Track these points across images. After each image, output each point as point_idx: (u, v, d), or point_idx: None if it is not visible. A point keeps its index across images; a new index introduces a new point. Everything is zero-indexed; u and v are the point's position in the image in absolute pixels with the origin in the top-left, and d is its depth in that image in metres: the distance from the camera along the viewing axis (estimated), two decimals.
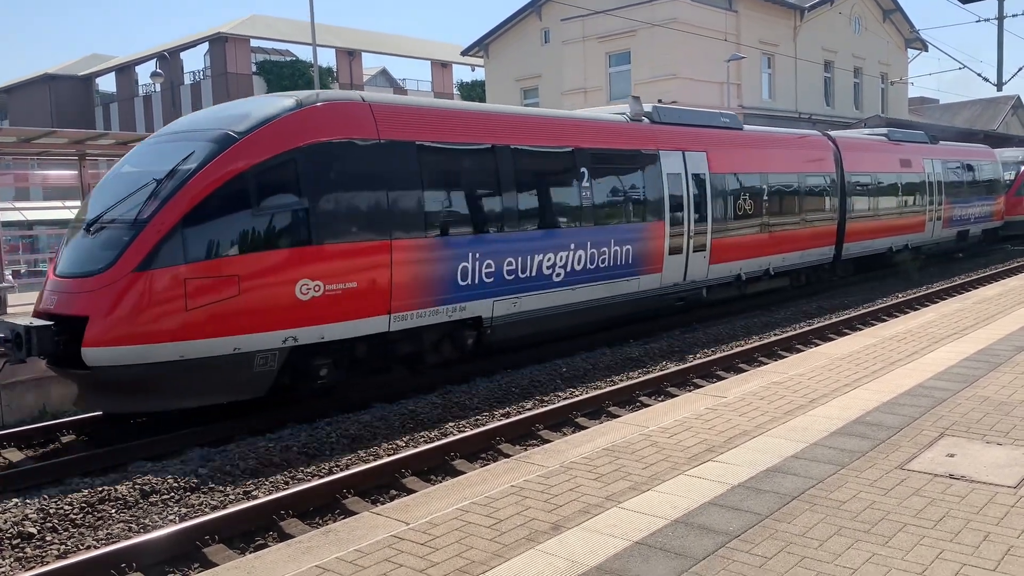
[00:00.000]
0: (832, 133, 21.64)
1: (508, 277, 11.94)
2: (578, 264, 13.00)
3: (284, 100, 10.22)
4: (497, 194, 11.90)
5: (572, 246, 12.86)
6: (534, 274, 12.30)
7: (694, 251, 15.56)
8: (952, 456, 5.80)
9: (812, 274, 20.30)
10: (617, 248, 13.71)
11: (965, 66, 41.43)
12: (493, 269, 11.68)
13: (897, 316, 16.06)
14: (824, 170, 19.80)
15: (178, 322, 8.88)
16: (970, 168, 27.44)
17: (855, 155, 21.20)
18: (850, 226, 20.77)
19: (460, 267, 11.25)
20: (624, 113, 15.09)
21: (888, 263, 23.44)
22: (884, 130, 24.61)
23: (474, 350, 12.12)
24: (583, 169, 13.13)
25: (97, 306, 8.74)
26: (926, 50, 48.64)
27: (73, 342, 8.71)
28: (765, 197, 17.45)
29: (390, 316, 10.45)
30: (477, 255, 11.46)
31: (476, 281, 11.47)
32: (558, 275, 12.67)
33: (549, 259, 12.51)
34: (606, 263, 13.54)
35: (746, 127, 18.26)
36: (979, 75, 30.84)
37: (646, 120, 15.24)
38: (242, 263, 9.22)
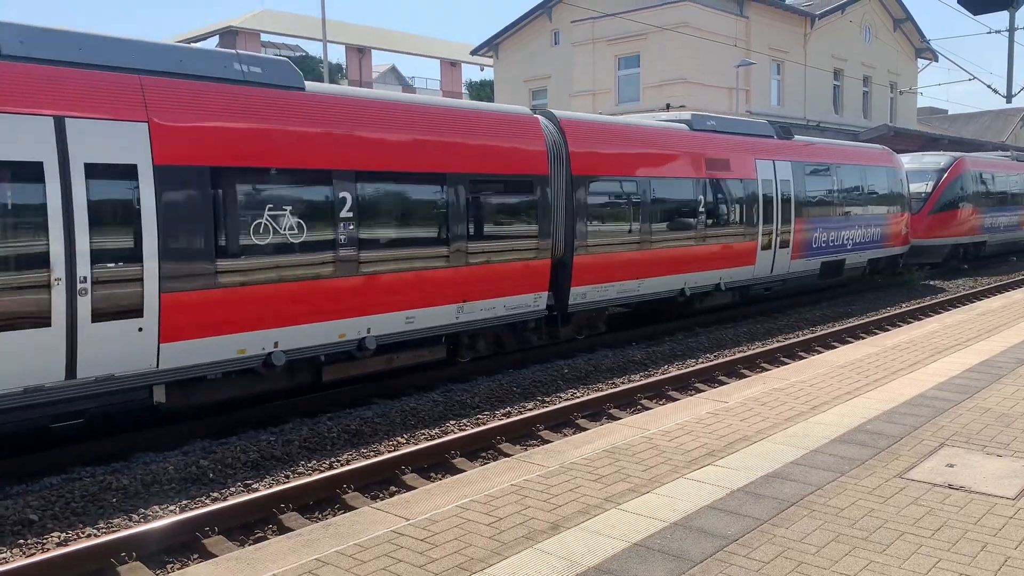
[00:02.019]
0: (561, 113, 13.59)
1: None
2: None
3: None
4: None
5: None
6: None
7: (115, 318, 8.03)
8: (952, 466, 5.82)
9: (511, 337, 12.90)
10: None
11: (975, 77, 41.38)
12: None
13: (900, 326, 16.11)
14: (522, 170, 12.20)
15: None
16: (852, 176, 20.48)
17: (596, 148, 13.57)
18: (583, 259, 13.17)
19: None
20: None
21: (686, 312, 16.26)
22: (687, 115, 16.70)
23: None
24: None
25: None
26: (936, 60, 48.64)
27: None
28: (349, 212, 9.90)
29: None
30: None
31: None
32: None
33: None
34: None
35: (324, 86, 10.46)
36: (989, 86, 30.85)
37: None
38: None
